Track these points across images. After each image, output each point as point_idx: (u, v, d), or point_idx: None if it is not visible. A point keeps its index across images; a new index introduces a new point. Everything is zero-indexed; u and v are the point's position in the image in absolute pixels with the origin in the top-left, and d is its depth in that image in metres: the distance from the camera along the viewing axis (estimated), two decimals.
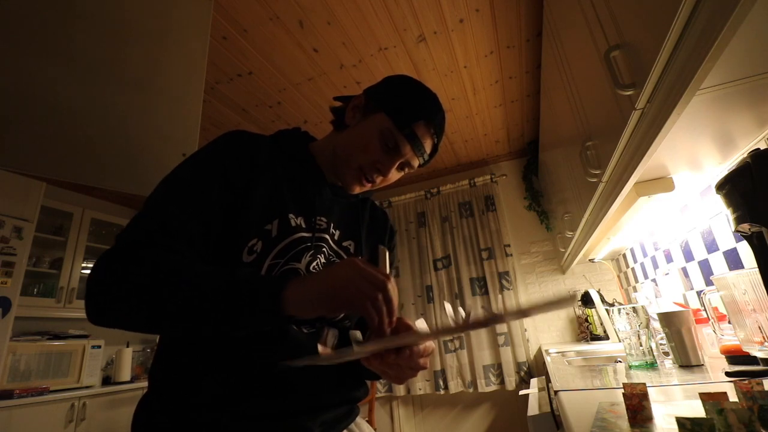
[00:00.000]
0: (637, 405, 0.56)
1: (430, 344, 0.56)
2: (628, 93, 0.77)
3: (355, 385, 0.70)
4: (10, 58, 0.99)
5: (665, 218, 1.52)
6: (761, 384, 0.48)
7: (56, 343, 2.56)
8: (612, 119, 0.92)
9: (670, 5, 0.57)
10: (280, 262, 0.60)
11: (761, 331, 0.79)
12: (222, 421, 0.54)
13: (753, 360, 0.85)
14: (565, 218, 2.01)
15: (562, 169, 1.87)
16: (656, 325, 1.14)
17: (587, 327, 2.54)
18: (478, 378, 2.71)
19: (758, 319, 0.79)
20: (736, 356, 0.92)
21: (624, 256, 2.36)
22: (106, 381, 2.86)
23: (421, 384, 2.85)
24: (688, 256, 1.42)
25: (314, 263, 0.64)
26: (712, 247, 1.25)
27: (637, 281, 2.16)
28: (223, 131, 0.70)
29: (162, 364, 0.60)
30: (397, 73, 2.08)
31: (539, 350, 2.73)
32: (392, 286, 0.49)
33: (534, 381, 1.98)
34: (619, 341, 1.76)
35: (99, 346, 2.75)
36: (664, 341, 1.08)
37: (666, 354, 1.13)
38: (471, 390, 2.73)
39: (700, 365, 0.99)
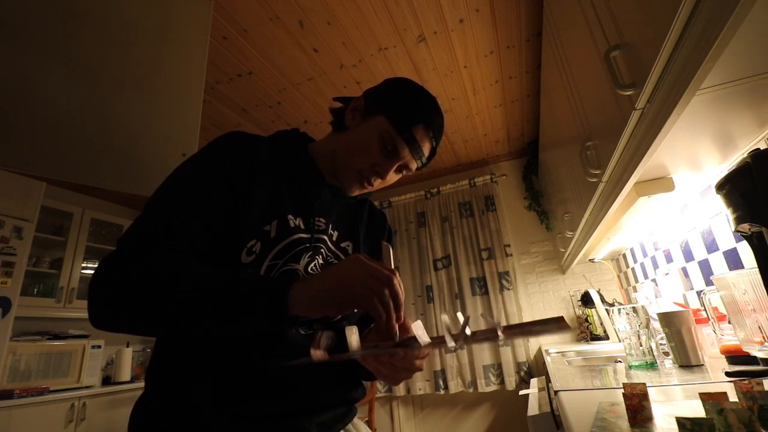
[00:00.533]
0: (637, 405, 0.56)
1: (428, 347, 0.56)
2: (628, 93, 0.77)
3: (353, 385, 0.70)
4: (10, 58, 0.99)
5: (665, 218, 1.52)
6: (761, 384, 0.48)
7: (56, 343, 2.56)
8: (612, 119, 0.92)
9: (670, 5, 0.57)
10: (278, 263, 0.60)
11: (761, 331, 0.79)
12: (221, 421, 0.54)
13: (753, 360, 0.85)
14: (565, 218, 2.01)
15: (562, 169, 1.87)
16: (656, 325, 1.14)
17: (587, 327, 2.54)
18: (478, 378, 2.71)
19: (758, 319, 0.79)
20: (736, 356, 0.92)
21: (624, 256, 2.36)
22: (106, 381, 2.86)
23: (421, 384, 2.85)
24: (688, 256, 1.42)
25: (312, 264, 0.64)
26: (712, 247, 1.25)
27: (637, 281, 2.16)
28: (223, 131, 0.70)
29: (159, 365, 0.60)
30: (397, 75, 2.09)
31: (539, 350, 2.73)
32: (398, 281, 0.48)
33: (534, 381, 1.98)
34: (619, 341, 1.76)
35: (99, 346, 2.75)
36: (664, 341, 1.08)
37: (666, 354, 1.13)
38: (471, 390, 2.73)
39: (700, 365, 0.99)
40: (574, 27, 1.13)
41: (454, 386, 2.77)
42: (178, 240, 0.54)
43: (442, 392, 2.80)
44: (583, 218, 1.58)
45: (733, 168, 0.73)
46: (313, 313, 0.48)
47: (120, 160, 1.18)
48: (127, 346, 2.96)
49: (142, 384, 0.62)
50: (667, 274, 1.57)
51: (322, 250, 0.68)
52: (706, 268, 1.31)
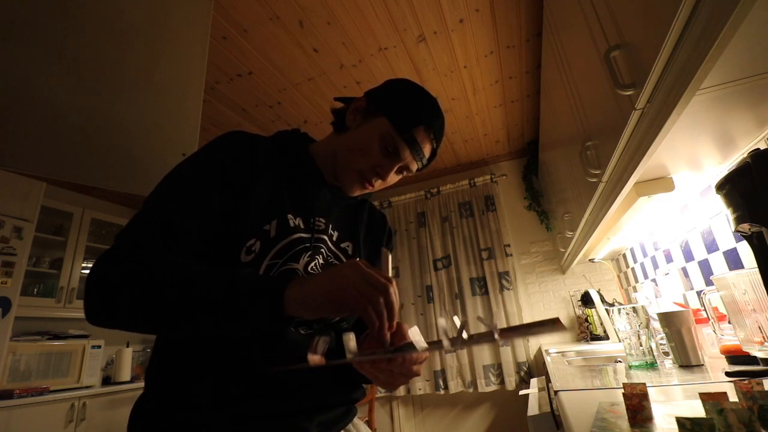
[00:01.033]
0: (637, 405, 0.56)
1: (425, 352, 0.56)
2: (628, 93, 0.77)
3: (353, 386, 0.71)
4: (10, 58, 0.99)
5: (665, 218, 1.52)
6: (761, 384, 0.48)
7: (56, 343, 2.56)
8: (612, 119, 0.92)
9: (670, 5, 0.57)
10: (278, 263, 0.60)
11: (761, 331, 0.79)
12: (221, 421, 0.54)
13: (753, 360, 0.85)
14: (565, 218, 2.01)
15: (562, 169, 1.87)
16: (656, 325, 1.14)
17: (587, 327, 2.54)
18: (478, 378, 2.71)
19: (758, 319, 0.79)
20: (736, 356, 0.92)
21: (624, 256, 2.36)
22: (106, 381, 2.86)
23: (421, 384, 2.85)
24: (688, 256, 1.42)
25: (312, 264, 0.64)
26: (712, 247, 1.25)
27: (637, 281, 2.16)
28: (223, 131, 0.70)
29: (159, 365, 0.59)
30: (397, 75, 2.09)
31: (539, 350, 2.73)
32: (394, 290, 0.48)
33: (534, 381, 1.98)
34: (619, 341, 1.76)
35: (99, 346, 2.75)
36: (664, 341, 1.08)
37: (666, 354, 1.13)
38: (471, 390, 2.73)
39: (700, 365, 0.99)
40: (574, 27, 1.13)
41: (454, 386, 2.77)
42: (176, 238, 0.54)
43: (442, 392, 2.80)
44: (583, 218, 1.58)
45: (733, 168, 0.73)
46: (308, 314, 0.48)
47: (120, 160, 1.18)
48: (127, 346, 2.96)
49: (142, 384, 0.61)
50: (667, 274, 1.57)
51: (323, 250, 0.68)
52: (706, 268, 1.31)
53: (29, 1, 1.04)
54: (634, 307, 1.10)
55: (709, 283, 1.28)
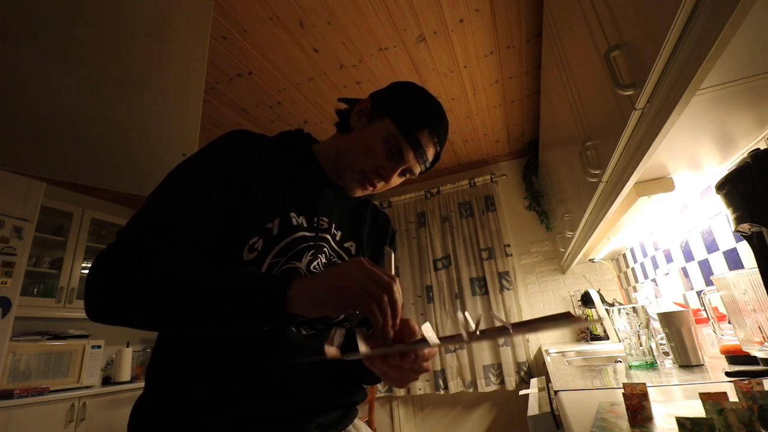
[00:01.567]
0: (637, 405, 0.56)
1: (434, 348, 0.56)
2: (628, 93, 0.77)
3: (354, 389, 0.71)
4: (10, 58, 0.99)
5: (665, 218, 1.52)
6: (761, 384, 0.48)
7: (56, 343, 2.56)
8: (612, 119, 0.92)
9: (670, 5, 0.57)
10: (280, 261, 0.60)
11: (761, 331, 0.79)
12: (221, 421, 0.54)
13: (753, 360, 0.85)
14: (565, 218, 2.01)
15: (562, 169, 1.87)
16: (656, 325, 1.14)
17: (587, 327, 2.54)
18: (478, 378, 2.71)
19: (758, 319, 0.79)
20: (736, 356, 0.92)
21: (624, 256, 2.36)
22: (106, 381, 2.86)
23: (421, 384, 2.85)
24: (688, 256, 1.42)
25: (315, 263, 0.64)
26: (712, 247, 1.25)
27: (637, 281, 2.16)
28: (223, 131, 0.70)
29: (159, 365, 0.59)
30: (397, 74, 2.09)
31: (539, 350, 2.73)
32: (397, 288, 0.48)
33: (534, 381, 1.98)
34: (619, 341, 1.76)
35: (99, 346, 2.75)
36: (664, 341, 1.08)
37: (666, 354, 1.13)
38: (471, 390, 2.73)
39: (700, 365, 0.99)
40: (574, 27, 1.13)
41: (454, 386, 2.77)
42: (179, 236, 0.54)
43: (442, 392, 2.80)
44: (583, 218, 1.58)
45: (733, 168, 0.73)
46: (311, 312, 0.48)
47: (120, 160, 1.18)
48: (127, 346, 2.96)
49: (142, 384, 0.61)
50: (667, 274, 1.57)
51: (325, 249, 0.68)
52: (706, 268, 1.31)
53: (30, 1, 1.04)
54: (634, 307, 1.10)
55: (709, 283, 1.28)
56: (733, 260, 1.13)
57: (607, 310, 2.20)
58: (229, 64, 1.93)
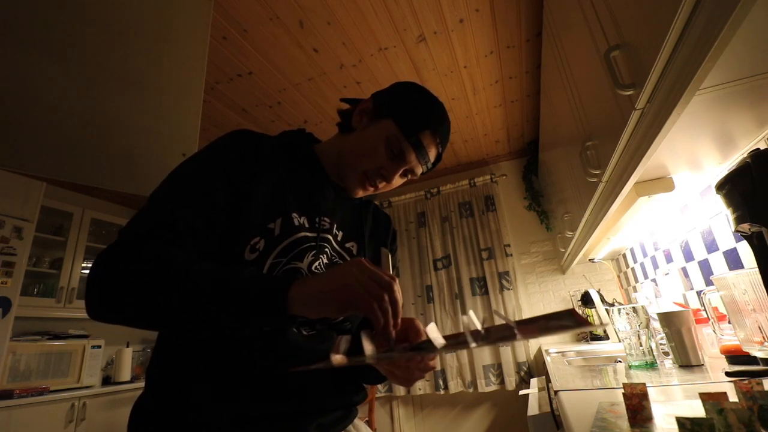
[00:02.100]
0: (637, 405, 0.56)
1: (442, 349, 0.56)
2: (628, 93, 0.77)
3: (355, 389, 0.71)
4: (10, 58, 0.99)
5: (665, 218, 1.52)
6: (761, 384, 0.48)
7: (56, 343, 2.56)
8: (612, 119, 0.92)
9: (670, 5, 0.57)
10: (282, 261, 0.60)
11: (761, 331, 0.79)
12: (221, 421, 0.54)
13: (753, 360, 0.85)
14: (565, 218, 2.01)
15: (562, 169, 1.87)
16: (656, 325, 1.14)
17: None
18: (478, 378, 2.71)
19: (758, 319, 0.79)
20: (736, 356, 0.92)
21: (624, 256, 2.36)
22: (106, 381, 2.86)
23: (421, 384, 2.85)
24: (688, 256, 1.42)
25: (316, 263, 0.64)
26: (712, 247, 1.25)
27: (637, 281, 2.16)
28: (223, 131, 0.70)
29: (160, 365, 0.59)
30: (397, 74, 2.09)
31: (539, 350, 2.73)
32: (398, 288, 0.49)
33: (534, 381, 1.98)
34: (619, 341, 1.76)
35: (99, 346, 2.75)
36: (664, 341, 1.08)
37: (666, 354, 1.13)
38: (471, 390, 2.73)
39: (700, 365, 0.99)
40: (574, 27, 1.13)
41: (454, 386, 2.77)
42: (180, 235, 0.54)
43: (442, 392, 2.80)
44: (583, 218, 1.58)
45: (733, 168, 0.73)
46: (312, 312, 0.48)
47: (120, 160, 1.18)
48: (127, 346, 2.96)
49: (142, 384, 0.61)
50: (667, 274, 1.57)
51: (327, 249, 0.68)
52: (706, 268, 1.31)
53: (30, 1, 1.04)
54: (634, 307, 1.10)
55: (709, 283, 1.28)
56: (733, 260, 1.13)
57: (607, 310, 2.20)
58: (229, 64, 1.93)
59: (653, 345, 1.09)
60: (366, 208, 0.80)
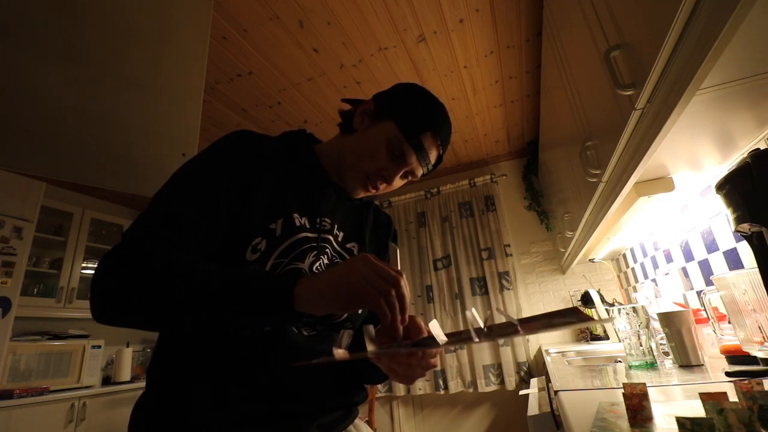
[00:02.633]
0: (637, 405, 0.56)
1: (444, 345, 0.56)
2: (628, 93, 0.77)
3: (355, 390, 0.71)
4: (10, 58, 0.99)
5: (665, 218, 1.52)
6: (761, 384, 0.48)
7: (56, 343, 2.56)
8: (612, 119, 0.92)
9: (670, 5, 0.57)
10: (283, 262, 0.60)
11: (761, 331, 0.79)
12: (221, 422, 0.54)
13: (753, 360, 0.85)
14: (565, 218, 2.01)
15: (562, 169, 1.87)
16: (656, 325, 1.14)
17: (587, 327, 2.54)
18: (478, 378, 2.71)
19: (758, 319, 0.79)
20: (736, 356, 0.92)
21: (624, 256, 2.36)
22: (106, 381, 2.86)
23: (421, 384, 2.85)
24: (688, 256, 1.42)
25: (317, 264, 0.64)
26: (712, 247, 1.25)
27: (637, 281, 2.16)
28: (223, 131, 0.70)
29: (160, 365, 0.59)
30: (397, 75, 2.09)
31: (539, 350, 2.73)
32: (405, 283, 0.48)
33: (534, 381, 1.98)
34: (619, 341, 1.76)
35: (99, 346, 2.75)
36: (664, 341, 1.08)
37: (666, 354, 1.13)
38: (471, 390, 2.73)
39: (700, 365, 0.99)
40: (574, 27, 1.13)
41: (454, 386, 2.77)
42: (184, 236, 0.54)
43: (442, 392, 2.80)
44: (583, 218, 1.58)
45: (733, 168, 0.73)
46: (318, 309, 0.48)
47: (120, 160, 1.18)
48: (127, 346, 2.96)
49: (142, 384, 0.61)
50: (667, 274, 1.57)
51: (328, 249, 0.68)
52: (706, 268, 1.31)
53: (30, 1, 1.04)
54: (634, 307, 1.10)
55: (709, 283, 1.28)
56: (733, 260, 1.13)
57: (607, 310, 2.20)
58: (229, 64, 1.93)
59: (653, 345, 1.09)
60: (367, 209, 0.80)
